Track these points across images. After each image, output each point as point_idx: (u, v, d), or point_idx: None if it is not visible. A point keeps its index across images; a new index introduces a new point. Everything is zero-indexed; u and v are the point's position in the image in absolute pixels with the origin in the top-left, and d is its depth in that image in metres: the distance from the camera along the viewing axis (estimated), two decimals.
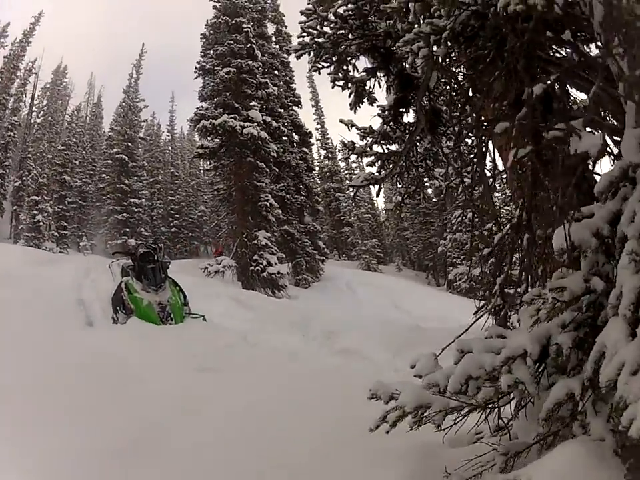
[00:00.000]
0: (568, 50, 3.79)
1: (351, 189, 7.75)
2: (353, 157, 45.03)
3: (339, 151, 42.63)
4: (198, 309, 9.74)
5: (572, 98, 3.97)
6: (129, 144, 38.42)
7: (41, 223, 33.33)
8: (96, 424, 3.83)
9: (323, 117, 44.44)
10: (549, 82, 3.35)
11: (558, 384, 2.31)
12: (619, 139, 2.84)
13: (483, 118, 4.27)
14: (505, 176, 4.43)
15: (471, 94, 4.65)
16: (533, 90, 3.19)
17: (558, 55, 3.96)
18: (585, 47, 3.78)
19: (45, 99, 46.00)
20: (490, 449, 2.86)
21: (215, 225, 28.86)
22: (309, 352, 9.15)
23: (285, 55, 27.10)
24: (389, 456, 3.25)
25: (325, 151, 45.11)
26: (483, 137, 4.13)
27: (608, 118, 3.64)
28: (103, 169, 39.74)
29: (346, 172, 45.97)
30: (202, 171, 46.48)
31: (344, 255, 43.36)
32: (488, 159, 4.24)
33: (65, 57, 77.60)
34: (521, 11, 2.71)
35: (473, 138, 5.11)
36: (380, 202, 54.52)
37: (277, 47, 27.55)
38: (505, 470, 2.53)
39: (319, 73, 6.83)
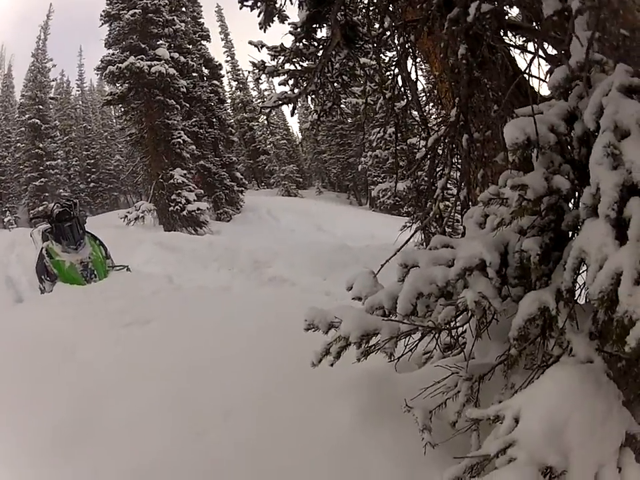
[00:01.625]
0: None
1: (265, 111, 7.34)
2: (265, 86, 44.12)
3: (249, 77, 42.17)
4: (121, 259, 9.43)
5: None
6: (40, 106, 37.25)
7: None
8: (31, 402, 3.49)
9: (232, 49, 43.52)
10: None
11: (527, 297, 2.05)
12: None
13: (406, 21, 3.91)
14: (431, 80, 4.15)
15: (390, 0, 4.31)
16: None
17: None
18: None
19: None
20: (443, 372, 2.65)
21: (130, 171, 28.15)
22: (238, 285, 8.94)
23: None
24: (336, 390, 2.99)
25: (237, 82, 44.35)
26: (407, 43, 3.79)
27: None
28: (17, 137, 38.55)
29: (258, 101, 45.21)
30: (114, 120, 45.89)
31: (263, 184, 43.25)
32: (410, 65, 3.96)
33: None
34: None
35: (394, 47, 4.80)
36: (295, 127, 54.23)
37: None
38: (471, 397, 2.30)
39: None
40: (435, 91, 4.15)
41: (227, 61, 42.90)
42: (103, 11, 20.08)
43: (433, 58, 3.87)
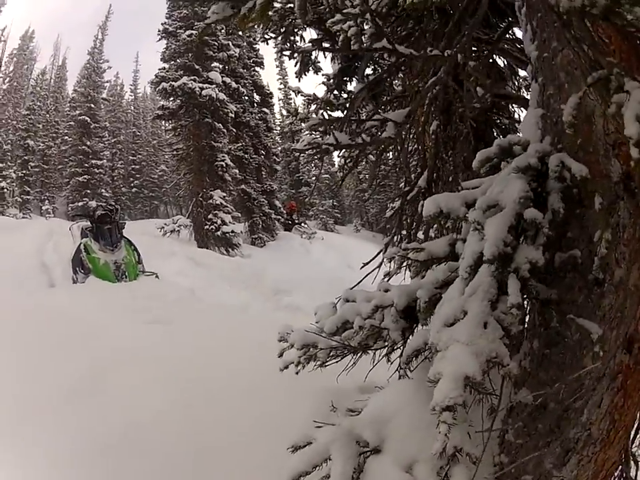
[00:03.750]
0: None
1: (296, 154, 8.04)
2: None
3: (299, 108, 42.62)
4: (152, 267, 10.19)
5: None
6: (92, 105, 38.17)
7: (5, 190, 32.76)
8: (52, 371, 4.19)
9: (286, 77, 43.69)
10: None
11: (416, 334, 2.74)
12: None
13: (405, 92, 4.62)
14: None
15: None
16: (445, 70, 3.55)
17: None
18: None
19: (11, 65, 44.79)
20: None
21: (173, 184, 28.89)
22: (254, 306, 9.63)
23: None
24: (301, 394, 3.74)
25: (287, 112, 44.62)
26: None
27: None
28: (66, 131, 39.32)
29: (307, 132, 45.47)
30: (163, 131, 45.87)
31: (301, 215, 43.44)
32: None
33: (34, 23, 74.45)
34: None
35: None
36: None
37: None
38: None
39: (267, 44, 7.03)
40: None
41: (279, 89, 43.78)
42: (162, 24, 20.67)
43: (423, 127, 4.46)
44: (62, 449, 3.19)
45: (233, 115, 20.74)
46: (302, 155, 8.51)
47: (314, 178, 41.23)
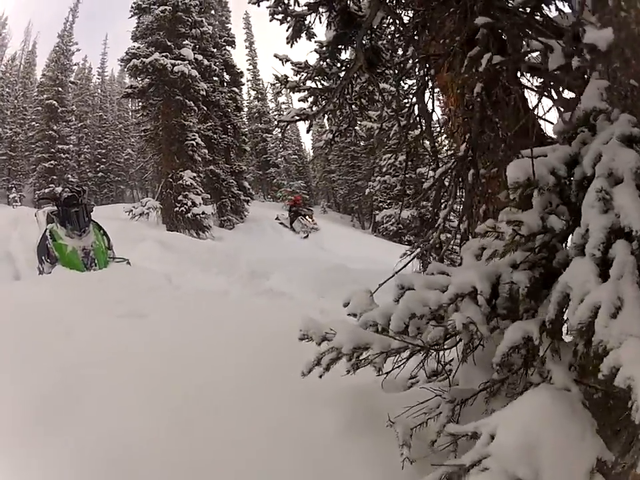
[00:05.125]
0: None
1: (282, 125, 7.44)
2: (283, 99, 44.33)
3: (268, 89, 42.34)
4: (122, 253, 9.52)
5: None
6: (60, 89, 37.32)
7: None
8: (22, 374, 3.51)
9: (255, 58, 43.67)
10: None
11: (513, 326, 2.15)
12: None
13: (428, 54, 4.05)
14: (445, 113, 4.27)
15: (417, 32, 4.46)
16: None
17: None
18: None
19: None
20: (427, 395, 2.74)
21: (140, 167, 28.18)
22: (233, 292, 9.00)
23: None
24: (324, 400, 3.07)
25: (255, 92, 44.36)
26: (427, 75, 3.93)
27: None
28: (33, 116, 38.26)
29: (275, 113, 45.36)
30: (130, 113, 45.59)
31: (269, 197, 43.29)
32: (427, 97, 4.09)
33: (8, 9, 71.43)
34: None
35: (415, 77, 4.95)
36: (307, 144, 54.38)
37: None
38: (452, 419, 2.40)
39: (258, 6, 6.42)
40: (450, 124, 4.26)
41: (248, 70, 43.00)
42: (134, 2, 20.21)
43: (449, 92, 3.98)
44: None
45: (204, 93, 20.43)
46: (289, 125, 7.97)
47: (282, 159, 40.96)
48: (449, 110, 4.15)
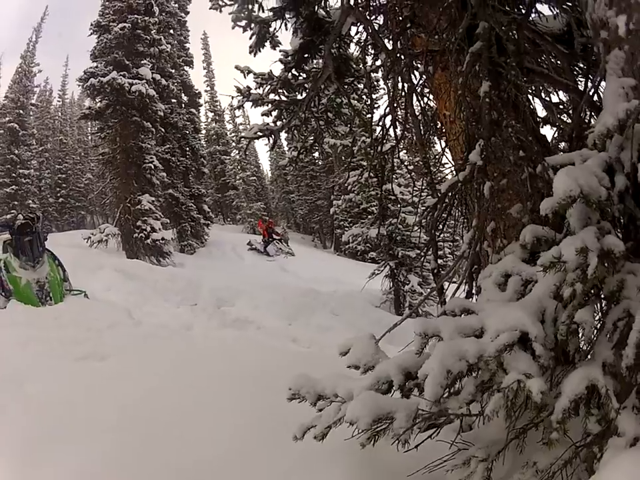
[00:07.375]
0: None
1: (244, 141, 7.02)
2: (241, 120, 43.85)
3: (225, 110, 42.00)
4: (79, 283, 9.06)
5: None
6: (21, 111, 36.12)
7: None
8: None
9: (213, 79, 43.05)
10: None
11: (575, 374, 1.75)
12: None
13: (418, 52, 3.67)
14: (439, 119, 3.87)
15: (407, 27, 4.08)
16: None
17: None
18: None
19: None
20: (444, 446, 2.30)
21: (98, 191, 27.34)
22: (199, 325, 8.49)
23: (182, 14, 26.32)
24: (326, 452, 2.58)
25: (213, 114, 44.18)
26: (423, 74, 3.54)
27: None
28: None
29: (233, 135, 45.03)
30: (89, 137, 44.28)
31: (229, 219, 42.77)
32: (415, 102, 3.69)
33: None
34: None
35: (388, 84, 4.55)
36: (265, 164, 54.21)
37: (176, 5, 26.28)
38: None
39: (220, 11, 6.01)
40: (445, 131, 3.86)
41: (206, 91, 42.53)
42: (94, 20, 19.71)
43: (442, 95, 3.59)
44: None
45: (162, 114, 19.85)
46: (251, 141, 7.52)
47: (240, 180, 40.57)
48: (444, 115, 3.73)
